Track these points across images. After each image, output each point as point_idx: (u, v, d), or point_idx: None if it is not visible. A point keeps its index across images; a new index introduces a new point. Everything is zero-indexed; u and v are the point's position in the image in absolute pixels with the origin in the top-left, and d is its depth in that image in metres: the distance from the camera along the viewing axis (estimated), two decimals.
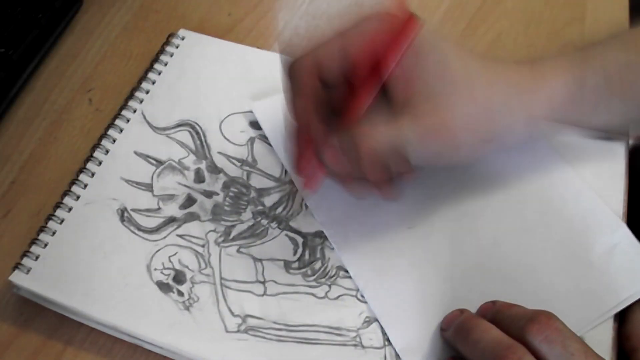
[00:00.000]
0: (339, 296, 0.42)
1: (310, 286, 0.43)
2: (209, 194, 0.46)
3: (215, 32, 0.55)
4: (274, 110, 0.48)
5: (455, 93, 0.39)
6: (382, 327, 0.41)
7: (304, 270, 0.43)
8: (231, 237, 0.44)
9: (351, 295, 0.42)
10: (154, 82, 0.51)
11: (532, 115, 0.42)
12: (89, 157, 0.47)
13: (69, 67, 0.53)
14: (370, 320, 0.41)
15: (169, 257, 0.43)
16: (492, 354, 0.35)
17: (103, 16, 0.56)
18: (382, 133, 0.39)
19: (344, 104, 0.40)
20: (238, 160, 0.48)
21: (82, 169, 0.46)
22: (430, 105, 0.39)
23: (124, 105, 0.49)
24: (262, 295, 0.42)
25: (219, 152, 0.48)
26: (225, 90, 0.51)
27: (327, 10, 0.58)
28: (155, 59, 0.52)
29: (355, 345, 0.41)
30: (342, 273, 0.43)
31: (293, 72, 0.40)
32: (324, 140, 0.40)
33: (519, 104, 0.41)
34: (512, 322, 0.37)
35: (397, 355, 0.40)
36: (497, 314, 0.38)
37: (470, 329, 0.38)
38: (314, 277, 0.43)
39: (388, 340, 0.41)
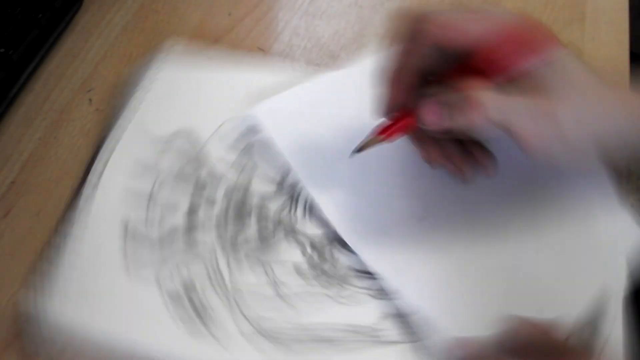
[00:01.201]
0: (351, 295, 0.42)
1: (321, 286, 0.42)
2: (211, 202, 0.46)
3: (215, 32, 0.55)
4: (277, 110, 0.49)
5: (569, 89, 0.39)
6: (397, 323, 0.41)
7: (313, 271, 0.43)
8: (238, 243, 0.44)
9: (364, 294, 0.42)
10: (149, 91, 0.50)
11: None
12: (89, 168, 0.46)
13: (69, 67, 0.53)
14: (385, 317, 0.41)
15: (177, 266, 0.43)
16: None
17: (103, 16, 0.56)
18: (495, 98, 0.39)
19: (454, 73, 0.40)
20: (238, 166, 0.47)
21: (82, 182, 0.46)
22: (543, 93, 0.39)
23: (121, 113, 0.49)
24: (274, 297, 0.42)
25: (219, 159, 0.47)
26: (221, 97, 0.50)
27: (327, 10, 0.58)
28: (150, 66, 0.51)
29: (372, 342, 0.40)
30: (352, 272, 0.43)
31: (418, 23, 0.40)
32: (424, 94, 0.40)
33: (630, 123, 0.41)
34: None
35: (414, 350, 0.40)
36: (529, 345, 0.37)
37: None
38: (324, 277, 0.43)
39: (404, 335, 0.41)
